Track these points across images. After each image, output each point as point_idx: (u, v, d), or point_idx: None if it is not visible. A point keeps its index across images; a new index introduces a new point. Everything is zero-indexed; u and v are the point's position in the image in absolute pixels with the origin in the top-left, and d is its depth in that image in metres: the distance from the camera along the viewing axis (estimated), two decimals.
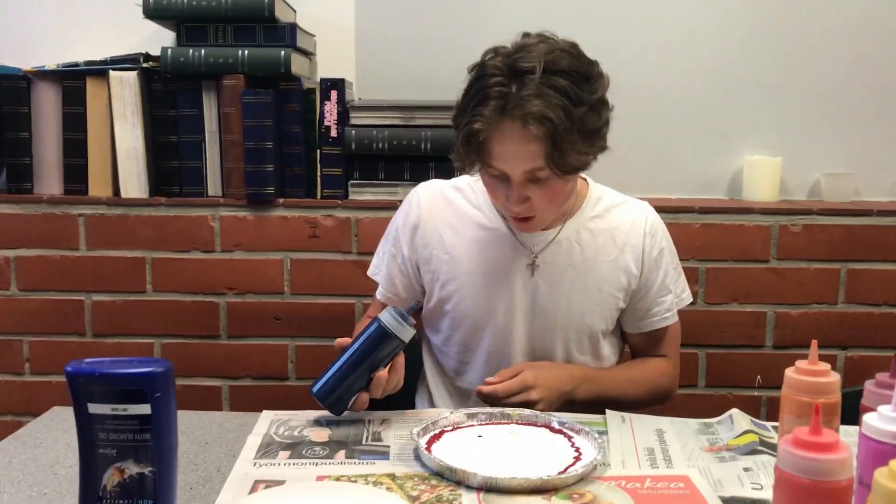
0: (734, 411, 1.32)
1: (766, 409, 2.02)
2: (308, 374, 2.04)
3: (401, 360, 1.27)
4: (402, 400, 1.62)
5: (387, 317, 1.24)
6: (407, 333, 1.25)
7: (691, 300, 1.56)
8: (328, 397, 1.26)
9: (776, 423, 1.29)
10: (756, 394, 2.04)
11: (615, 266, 1.44)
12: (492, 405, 1.33)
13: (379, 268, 1.56)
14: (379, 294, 1.56)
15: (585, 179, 1.48)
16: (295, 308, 2.02)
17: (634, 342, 1.56)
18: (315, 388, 1.26)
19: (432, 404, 1.56)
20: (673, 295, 1.50)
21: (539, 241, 1.43)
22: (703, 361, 2.03)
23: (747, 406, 2.02)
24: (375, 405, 1.64)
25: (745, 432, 1.24)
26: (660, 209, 1.96)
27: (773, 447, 1.19)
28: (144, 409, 0.76)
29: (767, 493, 1.05)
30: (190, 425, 1.28)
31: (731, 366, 2.02)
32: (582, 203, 1.46)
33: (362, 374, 1.25)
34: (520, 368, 1.38)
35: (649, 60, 2.11)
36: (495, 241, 1.44)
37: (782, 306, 2.00)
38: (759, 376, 2.02)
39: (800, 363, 1.00)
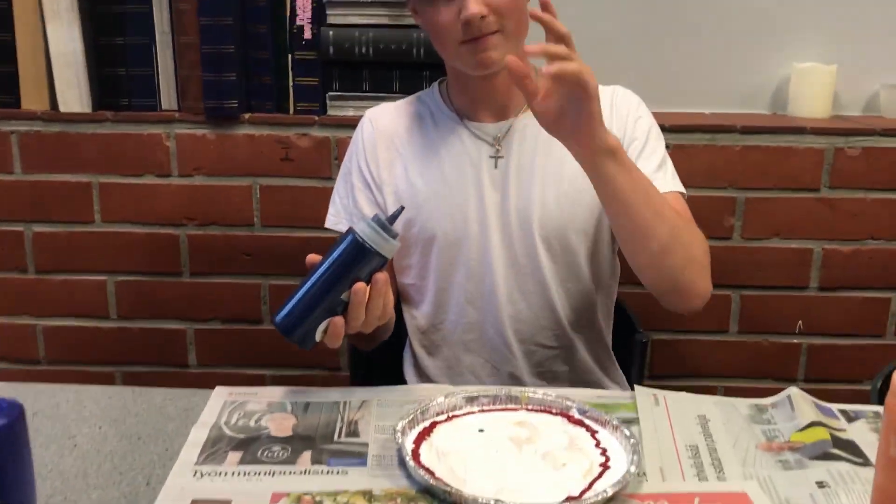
0: (793, 391, 1.08)
1: (806, 360, 1.81)
2: None
3: (384, 278, 1.01)
4: (387, 369, 1.39)
5: (363, 227, 0.98)
6: (389, 247, 0.99)
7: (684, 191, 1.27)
8: (294, 330, 1.00)
9: (844, 407, 1.07)
10: (795, 341, 1.81)
11: None
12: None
13: (340, 214, 1.35)
14: (332, 224, 1.35)
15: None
16: (267, 242, 1.77)
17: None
18: (277, 318, 1.01)
19: (421, 375, 1.35)
20: (663, 171, 1.25)
21: (499, 129, 1.28)
22: (737, 304, 1.80)
23: (785, 355, 1.82)
24: (356, 377, 1.42)
25: (812, 424, 1.00)
26: (693, 128, 1.70)
27: (850, 448, 0.95)
28: None
29: None
30: (120, 411, 1.04)
31: (768, 310, 1.80)
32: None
33: (334, 298, 0.99)
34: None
35: None
36: (451, 138, 1.30)
37: (832, 242, 1.76)
38: (800, 322, 1.80)
39: None
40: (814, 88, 1.79)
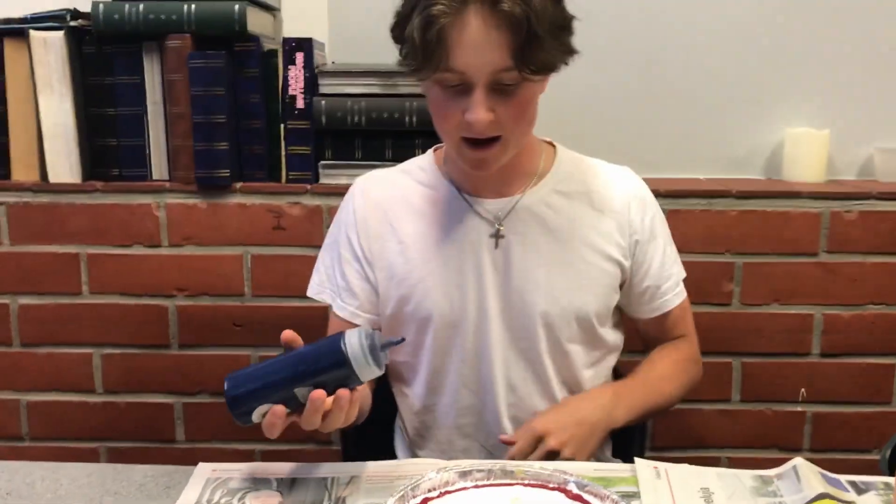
0: (799, 461, 1.04)
1: (811, 428, 1.76)
2: None
3: (347, 396, 0.95)
4: (380, 443, 1.35)
5: (354, 340, 0.92)
6: (368, 373, 0.93)
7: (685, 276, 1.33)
8: (235, 391, 0.94)
9: (853, 478, 1.03)
10: (800, 409, 1.77)
11: (598, 234, 1.22)
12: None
13: (325, 284, 1.30)
14: (338, 308, 1.28)
15: (553, 144, 1.28)
16: (257, 312, 1.73)
17: (647, 329, 1.34)
18: (228, 384, 0.95)
19: (412, 448, 1.30)
20: (678, 266, 1.32)
21: (501, 208, 1.22)
22: (739, 372, 1.76)
23: (789, 424, 1.77)
24: (347, 450, 1.37)
25: (820, 496, 0.96)
26: (689, 193, 1.69)
27: None
28: None
29: None
30: (98, 490, 1.00)
31: (770, 377, 1.76)
32: (550, 167, 1.25)
33: (289, 392, 0.93)
34: (527, 423, 1.15)
35: (672, 15, 1.82)
36: (451, 214, 1.23)
37: (832, 307, 1.72)
38: (802, 390, 1.75)
39: None
40: (807, 153, 1.79)
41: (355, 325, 1.20)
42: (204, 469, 1.03)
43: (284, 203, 1.69)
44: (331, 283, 1.28)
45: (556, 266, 1.20)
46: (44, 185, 1.69)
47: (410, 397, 1.28)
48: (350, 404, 0.95)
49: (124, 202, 1.70)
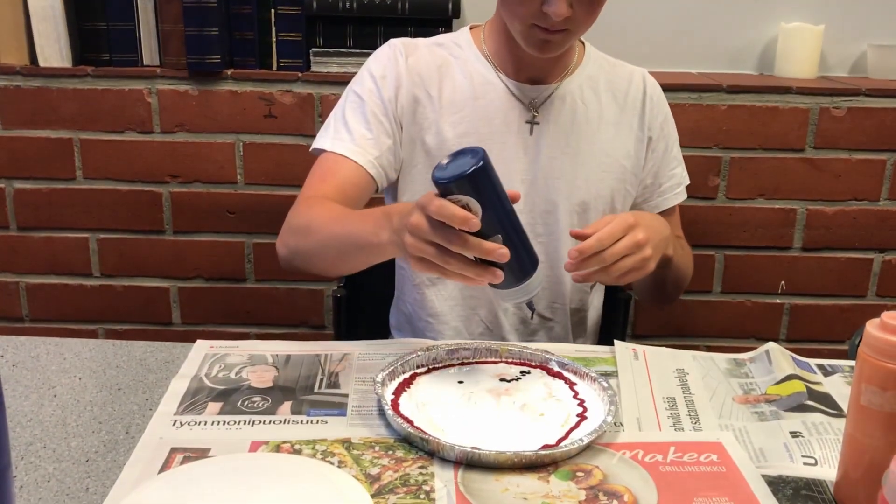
0: (771, 346, 1.09)
1: (788, 319, 1.81)
2: (268, 275, 1.80)
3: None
4: (373, 326, 1.39)
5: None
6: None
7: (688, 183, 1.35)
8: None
9: (821, 362, 1.08)
10: (778, 301, 1.81)
11: (619, 129, 1.26)
12: (586, 273, 1.04)
13: (341, 133, 1.21)
14: (349, 152, 1.19)
15: (582, 42, 1.29)
16: (250, 200, 1.76)
17: None
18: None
19: (410, 328, 1.33)
20: (682, 168, 1.34)
21: (538, 95, 1.24)
22: (721, 264, 1.80)
23: (767, 315, 1.83)
24: (342, 330, 1.40)
25: (788, 377, 1.01)
26: (681, 87, 1.69)
27: (825, 400, 0.96)
28: None
29: (824, 471, 0.82)
30: (100, 363, 1.04)
31: (751, 270, 1.80)
32: (581, 60, 1.27)
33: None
34: (612, 216, 1.07)
35: None
36: (489, 94, 1.23)
37: (816, 202, 1.76)
38: (782, 282, 1.80)
39: (887, 316, 0.74)
40: (801, 49, 1.78)
41: (368, 173, 1.19)
42: (202, 345, 1.07)
43: (276, 91, 1.69)
44: (350, 135, 1.21)
45: (581, 157, 1.24)
46: (34, 68, 1.68)
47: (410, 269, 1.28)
48: None
49: (116, 87, 1.69)
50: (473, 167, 0.84)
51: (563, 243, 1.25)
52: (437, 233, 0.85)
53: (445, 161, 0.88)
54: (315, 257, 1.14)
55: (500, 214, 0.88)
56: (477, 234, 0.86)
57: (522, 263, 0.92)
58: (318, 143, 1.23)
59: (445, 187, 0.85)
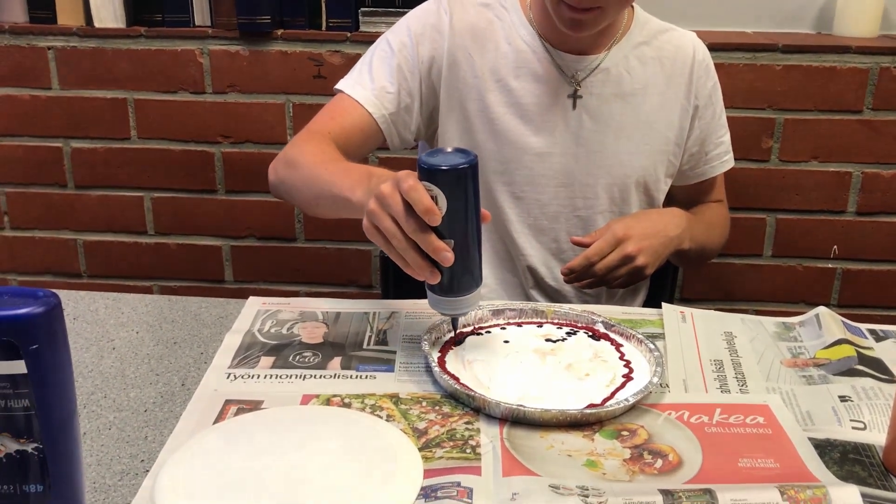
0: (821, 310, 1.07)
1: (840, 284, 1.78)
2: (318, 235, 1.82)
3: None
4: (418, 287, 1.39)
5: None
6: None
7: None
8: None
9: (873, 327, 1.06)
10: (830, 266, 1.78)
11: (665, 99, 1.23)
12: (583, 283, 1.13)
13: (364, 78, 1.20)
14: (364, 100, 1.18)
15: (632, 6, 1.25)
16: None
17: (685, 195, 1.35)
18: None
19: None
20: (728, 135, 1.32)
21: (583, 68, 1.21)
22: (772, 228, 1.78)
23: (819, 279, 1.80)
24: (389, 290, 1.42)
25: (838, 342, 1.00)
26: (735, 47, 1.66)
27: (875, 365, 0.95)
28: (16, 366, 0.53)
29: (873, 435, 0.81)
30: (156, 317, 1.07)
31: (803, 234, 1.77)
32: (629, 27, 1.23)
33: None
34: (606, 226, 1.15)
35: None
36: (532, 64, 1.20)
37: (872, 166, 1.72)
38: (835, 246, 1.76)
39: None
40: (861, 5, 1.72)
41: (378, 127, 1.19)
42: (255, 301, 1.09)
43: (325, 51, 1.70)
44: (372, 83, 1.19)
45: (624, 130, 1.22)
46: (89, 29, 1.71)
47: None
48: None
49: (168, 48, 1.72)
50: (460, 166, 0.84)
51: (603, 217, 1.25)
52: (398, 209, 0.84)
53: (438, 150, 0.88)
54: (296, 192, 1.14)
55: (461, 222, 0.86)
56: (434, 230, 0.85)
57: (462, 278, 0.89)
58: (339, 84, 1.22)
59: (426, 173, 0.84)
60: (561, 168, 1.22)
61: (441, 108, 1.22)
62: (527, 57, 1.20)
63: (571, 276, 1.14)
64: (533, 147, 1.21)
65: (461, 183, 0.84)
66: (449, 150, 0.87)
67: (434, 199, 0.83)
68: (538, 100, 1.20)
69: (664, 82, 1.23)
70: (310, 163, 1.10)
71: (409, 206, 0.83)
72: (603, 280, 1.14)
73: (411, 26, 1.20)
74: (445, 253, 0.84)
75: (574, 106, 1.21)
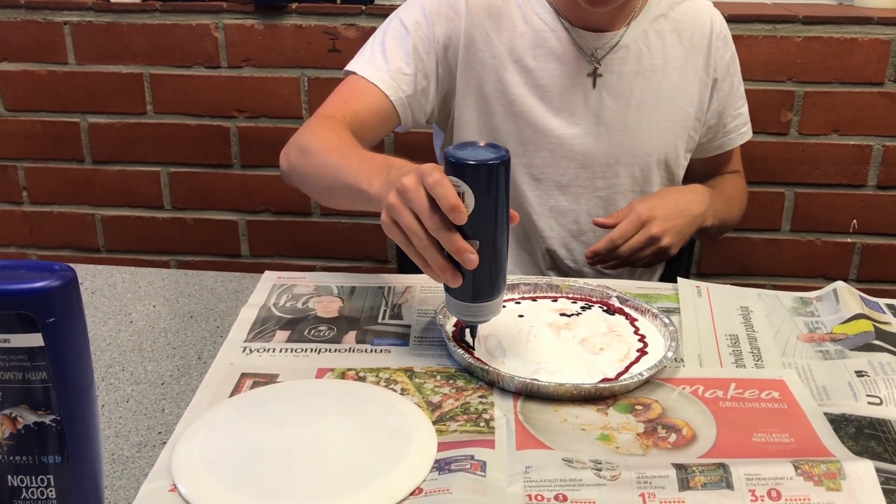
0: (839, 285, 1.06)
1: (859, 259, 1.76)
2: (333, 210, 1.82)
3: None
4: None
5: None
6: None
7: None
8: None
9: (892, 302, 1.06)
10: (849, 240, 1.77)
11: (684, 73, 1.21)
12: (608, 264, 1.13)
13: (377, 59, 1.15)
14: (380, 82, 1.14)
15: None
16: None
17: (702, 168, 1.33)
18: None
19: None
20: (746, 106, 1.30)
21: (602, 45, 1.18)
22: (791, 202, 1.76)
23: (837, 254, 1.78)
24: (405, 265, 1.42)
25: (856, 317, 0.99)
26: (754, 18, 1.64)
27: (893, 340, 0.94)
28: (33, 339, 0.53)
29: (889, 411, 0.81)
30: (173, 291, 1.08)
31: (822, 207, 1.75)
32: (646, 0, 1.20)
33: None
34: (629, 207, 1.14)
35: None
36: (550, 43, 1.18)
37: (893, 139, 1.69)
38: (854, 220, 1.74)
39: None
40: None
41: (395, 110, 1.15)
42: (270, 276, 1.10)
43: (340, 25, 1.69)
44: (386, 64, 1.15)
45: (644, 107, 1.20)
46: (105, 4, 1.71)
47: None
48: None
49: (183, 22, 1.71)
50: (493, 161, 0.78)
51: (624, 197, 1.24)
52: (421, 204, 0.78)
53: (467, 143, 0.82)
54: (308, 180, 1.08)
55: (489, 222, 0.80)
56: (459, 230, 0.79)
57: (485, 283, 0.83)
58: (351, 65, 1.16)
59: (454, 167, 0.78)
60: (582, 149, 1.20)
61: (457, 90, 1.19)
62: (545, 36, 1.17)
63: (595, 258, 1.13)
64: (553, 128, 1.19)
65: (491, 180, 0.78)
66: (481, 143, 0.81)
67: (461, 195, 0.78)
68: (558, 80, 1.18)
69: (683, 56, 1.22)
70: (323, 149, 1.05)
71: (432, 202, 0.78)
72: (627, 261, 1.13)
73: (426, 5, 1.16)
74: (470, 254, 0.78)
75: (594, 85, 1.19)
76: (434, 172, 0.77)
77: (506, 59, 1.17)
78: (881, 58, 1.63)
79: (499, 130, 1.20)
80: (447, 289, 0.85)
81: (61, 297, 0.54)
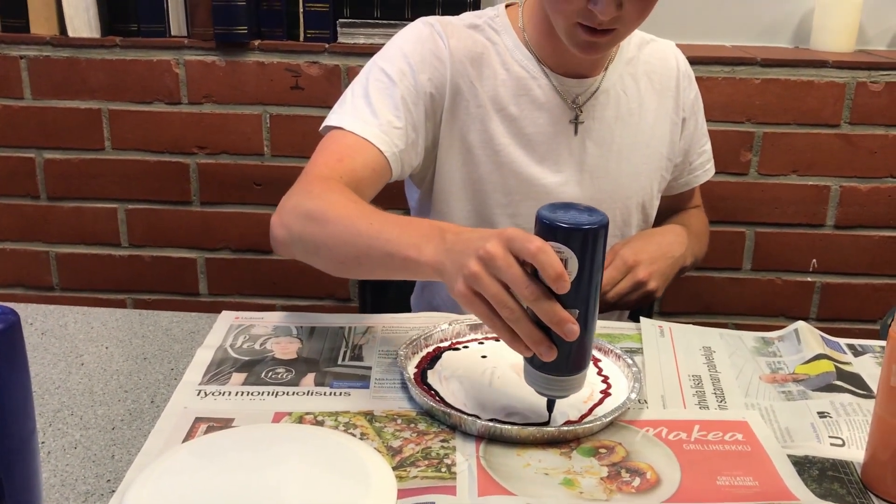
0: (800, 325, 1.07)
1: (819, 298, 1.78)
2: None
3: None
4: (396, 300, 1.38)
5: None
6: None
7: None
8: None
9: (852, 341, 1.06)
10: (809, 279, 1.78)
11: (657, 116, 1.22)
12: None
13: (363, 113, 1.08)
14: (373, 137, 1.07)
15: None
16: (277, 172, 1.75)
17: (666, 205, 1.33)
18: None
19: (431, 306, 1.31)
20: (709, 143, 1.32)
21: (583, 91, 1.17)
22: (751, 241, 1.78)
23: (798, 293, 1.80)
24: (368, 304, 1.41)
25: (817, 357, 0.99)
26: (714, 60, 1.67)
27: (854, 380, 0.94)
28: None
29: (852, 452, 0.80)
30: (127, 332, 1.05)
31: (782, 247, 1.77)
32: (620, 44, 1.20)
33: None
34: (612, 251, 1.14)
35: None
36: (533, 91, 1.15)
37: (850, 179, 1.72)
38: (814, 260, 1.77)
39: None
40: (838, 21, 1.74)
41: (390, 166, 1.09)
42: (227, 316, 1.07)
43: (303, 62, 1.68)
44: (375, 118, 1.08)
45: (624, 152, 1.20)
46: (63, 38, 1.69)
47: None
48: None
49: (144, 58, 1.70)
50: (599, 225, 0.74)
51: None
52: (514, 273, 0.73)
53: (557, 205, 0.78)
54: (323, 251, 0.98)
55: (588, 289, 0.76)
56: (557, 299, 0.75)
57: (578, 355, 0.79)
58: (334, 121, 1.09)
59: (555, 232, 0.74)
60: (566, 196, 1.18)
61: (441, 140, 1.15)
62: (527, 83, 1.15)
63: None
64: (538, 177, 1.17)
65: (596, 244, 0.74)
66: (576, 205, 0.77)
67: (564, 262, 0.73)
68: (542, 128, 1.16)
69: (656, 99, 1.22)
70: (343, 216, 0.95)
71: (526, 270, 0.74)
72: (615, 306, 1.13)
73: (407, 53, 1.11)
74: (571, 325, 0.74)
75: (576, 132, 1.17)
76: (532, 238, 0.73)
77: (489, 107, 1.14)
78: (837, 100, 1.67)
79: (483, 181, 1.17)
80: (531, 361, 0.80)
81: (2, 342, 0.52)
